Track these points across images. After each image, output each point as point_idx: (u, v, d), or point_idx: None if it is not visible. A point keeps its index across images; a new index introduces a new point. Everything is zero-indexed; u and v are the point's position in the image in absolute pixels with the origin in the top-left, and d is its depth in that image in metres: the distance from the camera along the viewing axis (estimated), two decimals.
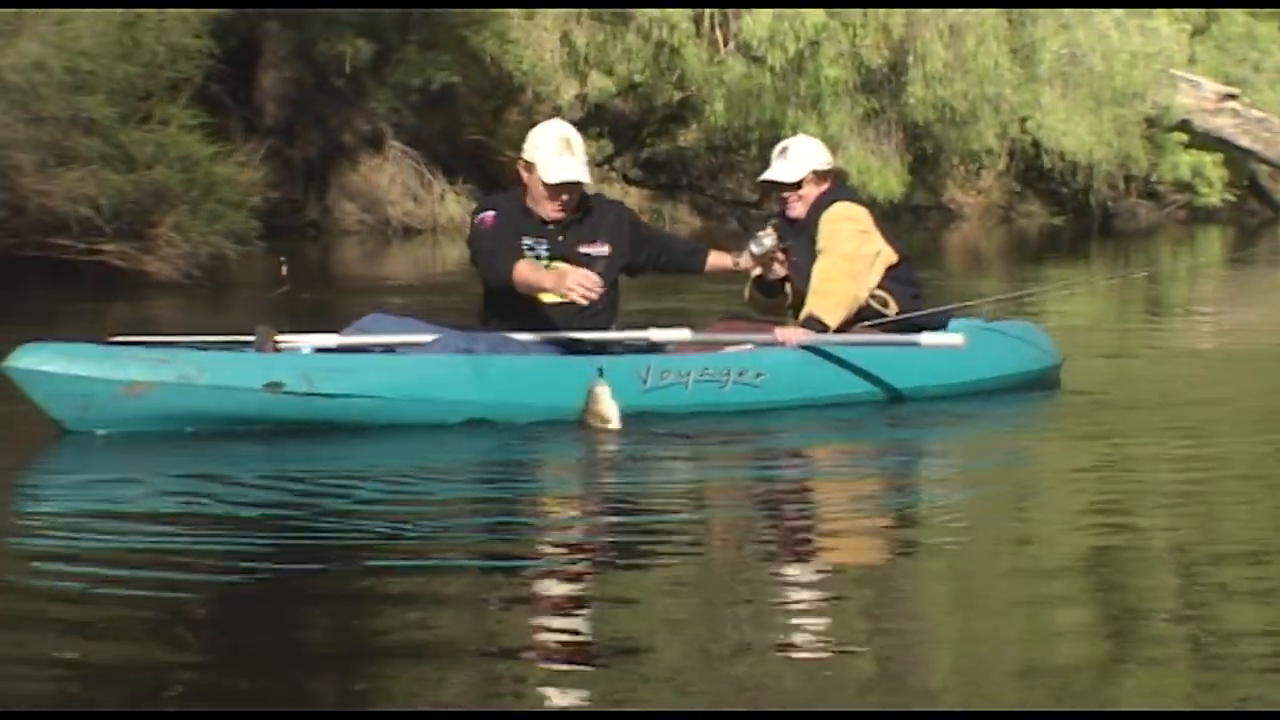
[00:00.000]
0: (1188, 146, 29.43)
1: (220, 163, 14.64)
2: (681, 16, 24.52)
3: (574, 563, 4.97)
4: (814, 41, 23.62)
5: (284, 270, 12.83)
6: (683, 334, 7.48)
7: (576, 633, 4.16)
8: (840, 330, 7.53)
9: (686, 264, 7.84)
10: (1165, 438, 7.17)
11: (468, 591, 4.58)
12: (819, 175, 7.87)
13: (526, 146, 7.22)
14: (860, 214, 7.82)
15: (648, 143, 27.74)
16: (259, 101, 23.10)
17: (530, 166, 7.13)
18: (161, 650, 3.88)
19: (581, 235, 7.22)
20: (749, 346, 7.59)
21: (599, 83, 25.20)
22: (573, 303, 6.88)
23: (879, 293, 7.75)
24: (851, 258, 7.63)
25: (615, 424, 6.66)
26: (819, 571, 4.93)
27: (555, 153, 7.05)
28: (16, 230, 13.63)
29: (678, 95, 25.78)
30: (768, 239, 7.48)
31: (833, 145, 23.61)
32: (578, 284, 6.78)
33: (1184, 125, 29.03)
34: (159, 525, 5.25)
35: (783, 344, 7.41)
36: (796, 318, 7.64)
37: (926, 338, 7.54)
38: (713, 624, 4.19)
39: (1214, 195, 30.38)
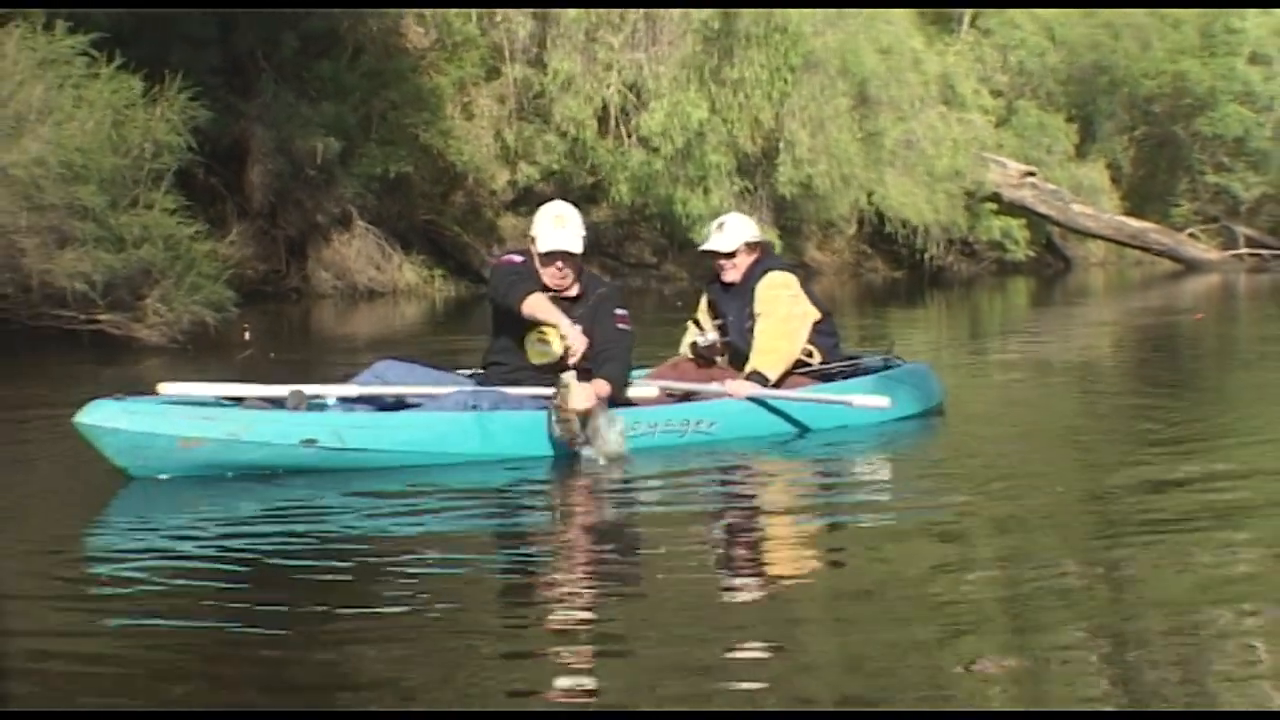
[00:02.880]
0: (998, 213, 28.82)
1: (200, 241, 13.22)
2: (591, 116, 23.60)
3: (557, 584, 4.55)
4: (699, 133, 22.56)
5: (247, 336, 11.67)
6: (651, 390, 7.07)
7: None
8: (779, 381, 7.21)
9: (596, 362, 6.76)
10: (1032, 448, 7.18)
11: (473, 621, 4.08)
12: (750, 246, 7.52)
13: (532, 223, 6.86)
14: (791, 281, 7.48)
15: None
16: (248, 190, 22.16)
17: (533, 240, 6.74)
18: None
19: (568, 314, 6.54)
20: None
21: (526, 171, 24.33)
22: (558, 361, 6.53)
23: (807, 346, 7.46)
24: (787, 319, 7.32)
25: (580, 407, 6.18)
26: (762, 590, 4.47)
27: (550, 226, 6.70)
28: (27, 303, 12.47)
29: (590, 179, 24.83)
30: (713, 335, 7.50)
31: (715, 218, 23.00)
32: (578, 343, 6.37)
33: (995, 196, 28.46)
34: (213, 558, 4.83)
35: (732, 395, 7.04)
36: (731, 365, 7.43)
37: (857, 399, 7.16)
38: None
39: (1019, 252, 29.81)
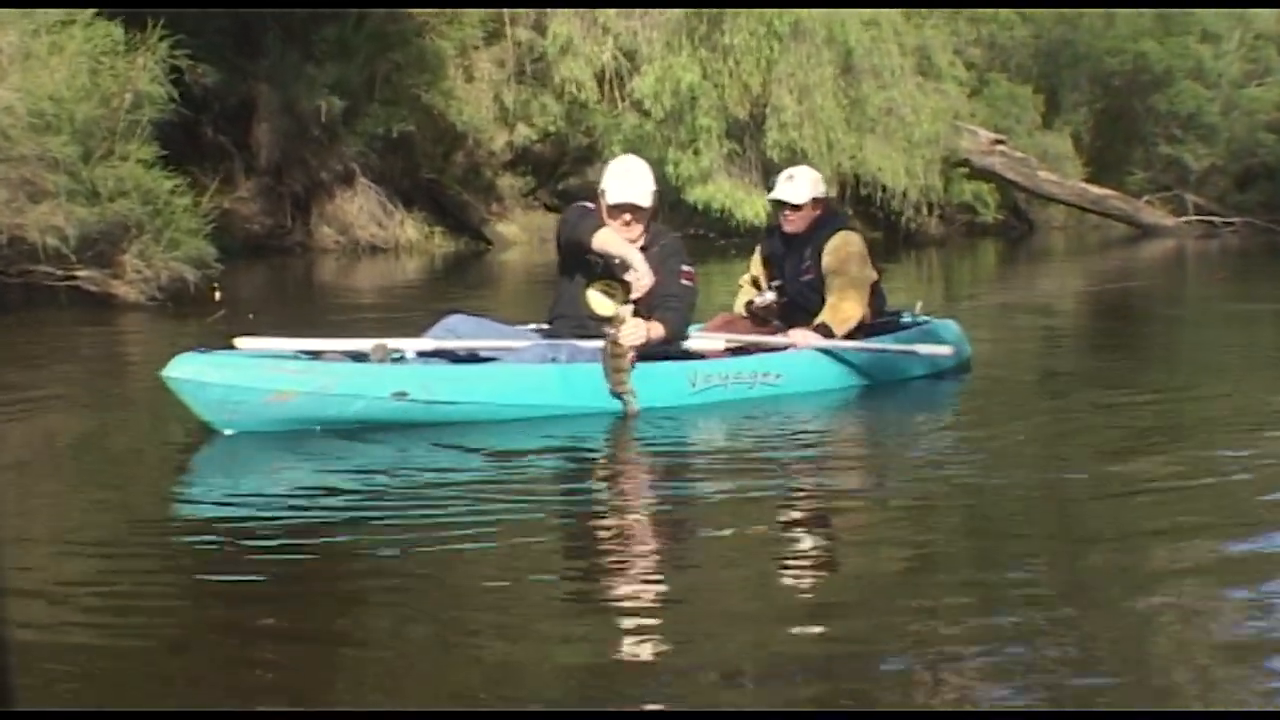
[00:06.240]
0: (969, 178, 26.94)
1: (181, 195, 11.34)
2: (588, 78, 21.72)
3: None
4: (691, 97, 20.65)
5: (218, 296, 9.92)
6: (718, 343, 6.48)
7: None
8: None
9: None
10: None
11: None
12: (817, 201, 6.84)
13: (602, 177, 6.21)
14: (861, 243, 6.84)
15: (562, 178, 25.23)
16: (255, 148, 20.65)
17: (602, 193, 6.09)
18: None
19: None
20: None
21: (524, 132, 22.88)
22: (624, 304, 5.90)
23: None
24: (859, 281, 6.69)
25: (632, 342, 5.69)
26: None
27: (619, 179, 6.07)
28: (1, 259, 10.59)
29: (585, 140, 23.30)
30: (770, 295, 6.89)
31: (706, 178, 21.41)
32: (647, 276, 5.85)
33: (966, 162, 26.50)
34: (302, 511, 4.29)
35: (797, 346, 6.47)
36: (783, 319, 6.81)
37: (921, 348, 6.76)
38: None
39: (989, 215, 28.04)
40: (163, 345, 8.98)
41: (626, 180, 6.06)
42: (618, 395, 5.69)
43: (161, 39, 11.41)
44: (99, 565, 3.77)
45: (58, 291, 10.71)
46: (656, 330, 5.87)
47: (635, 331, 5.70)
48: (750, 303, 7.02)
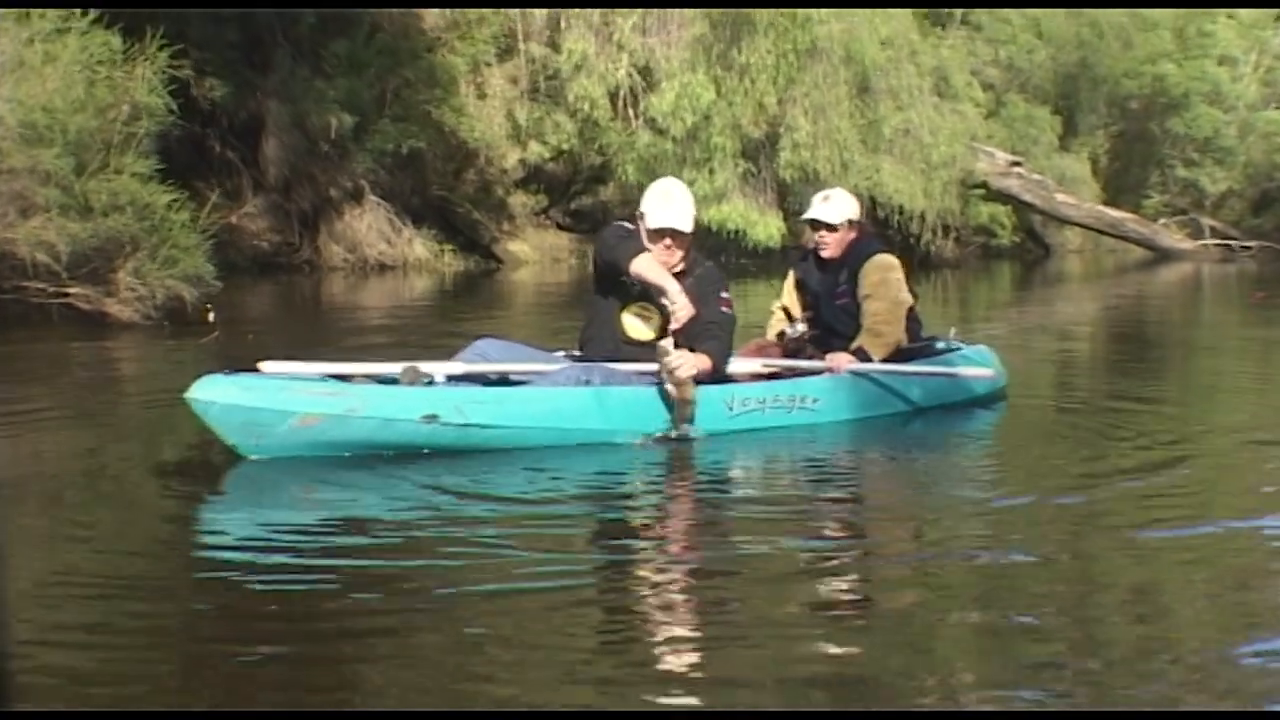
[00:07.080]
0: (985, 200, 26.50)
1: (177, 210, 10.81)
2: (601, 96, 21.21)
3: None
4: (706, 116, 20.20)
5: (210, 318, 9.41)
6: (754, 366, 6.29)
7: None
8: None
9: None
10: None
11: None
12: (852, 223, 6.62)
13: (643, 199, 5.95)
14: (898, 265, 6.59)
15: (575, 196, 24.89)
16: (264, 164, 20.31)
17: (642, 216, 5.87)
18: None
19: None
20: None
21: (536, 149, 22.35)
22: (658, 334, 5.72)
23: None
24: (899, 303, 6.47)
25: (685, 375, 5.44)
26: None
27: (659, 203, 5.83)
28: None
29: (598, 159, 22.74)
30: (801, 326, 6.66)
31: (720, 198, 20.90)
32: (685, 309, 5.58)
33: (982, 184, 26.01)
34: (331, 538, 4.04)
35: (835, 370, 6.23)
36: (817, 346, 6.56)
37: (963, 370, 6.60)
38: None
39: (1006, 238, 27.64)
40: (159, 366, 8.57)
41: (668, 204, 5.82)
42: (681, 427, 5.54)
43: (161, 49, 10.92)
44: (95, 571, 3.68)
45: (50, 309, 10.23)
46: (704, 363, 5.62)
47: (685, 365, 5.47)
48: (782, 333, 6.78)
